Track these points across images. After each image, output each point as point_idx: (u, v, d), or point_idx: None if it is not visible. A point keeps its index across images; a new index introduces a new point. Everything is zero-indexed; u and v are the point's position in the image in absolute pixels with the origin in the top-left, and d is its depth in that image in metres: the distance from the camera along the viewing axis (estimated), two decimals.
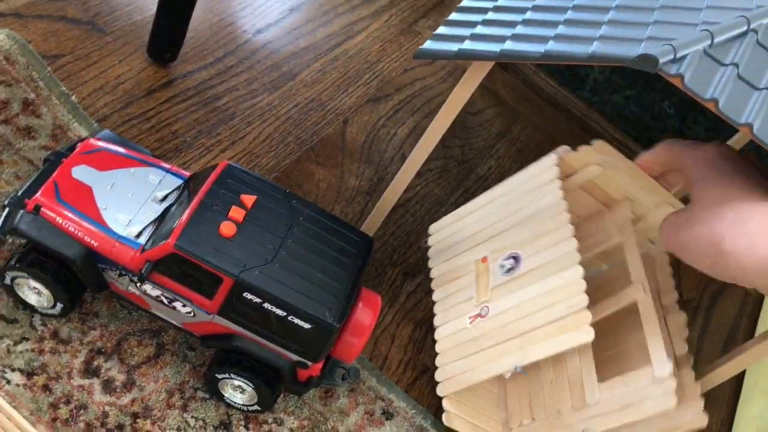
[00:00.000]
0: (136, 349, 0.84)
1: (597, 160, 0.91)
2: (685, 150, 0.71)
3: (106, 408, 0.78)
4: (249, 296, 0.72)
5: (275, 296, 0.72)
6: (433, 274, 1.00)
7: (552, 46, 0.70)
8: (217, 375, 0.79)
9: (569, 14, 0.75)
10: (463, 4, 0.84)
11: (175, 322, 0.80)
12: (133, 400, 0.80)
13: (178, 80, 1.13)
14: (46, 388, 0.77)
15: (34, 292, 0.78)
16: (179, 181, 0.82)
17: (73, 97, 0.99)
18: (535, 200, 0.90)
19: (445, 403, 0.91)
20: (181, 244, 0.71)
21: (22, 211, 0.75)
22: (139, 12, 1.17)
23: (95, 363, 0.81)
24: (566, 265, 0.83)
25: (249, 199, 0.77)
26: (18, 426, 0.65)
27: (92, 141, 0.82)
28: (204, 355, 0.86)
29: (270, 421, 0.85)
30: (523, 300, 0.85)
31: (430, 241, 1.04)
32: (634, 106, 1.47)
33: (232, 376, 0.78)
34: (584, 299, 0.79)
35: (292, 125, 1.17)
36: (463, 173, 1.27)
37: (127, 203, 0.78)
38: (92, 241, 0.74)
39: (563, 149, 0.92)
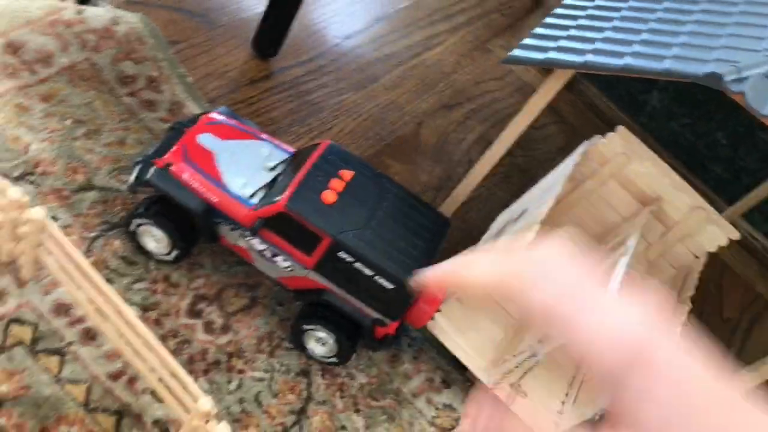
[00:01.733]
0: (233, 299, 0.95)
1: (622, 147, 1.02)
2: None
3: (206, 345, 0.90)
4: (343, 255, 0.83)
5: (366, 257, 0.83)
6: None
7: (629, 60, 0.80)
8: (304, 326, 0.90)
9: (644, 36, 0.85)
10: (546, 20, 0.94)
11: (272, 276, 0.91)
12: (229, 342, 0.91)
13: (277, 74, 1.26)
14: (157, 322, 0.89)
15: (153, 240, 0.90)
16: (285, 155, 0.94)
17: (189, 79, 1.12)
18: (557, 173, 1.03)
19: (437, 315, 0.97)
20: (290, 204, 0.82)
21: (154, 167, 0.87)
22: (245, 10, 1.31)
23: (199, 306, 0.92)
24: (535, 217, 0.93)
25: (347, 174, 0.88)
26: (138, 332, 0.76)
27: (214, 114, 0.94)
28: (290, 311, 0.97)
29: (343, 374, 0.95)
30: (504, 237, 0.99)
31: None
32: (689, 134, 1.56)
33: (318, 327, 0.89)
34: (533, 232, 0.88)
35: (372, 122, 1.29)
36: (524, 181, 1.36)
37: (242, 169, 0.89)
38: (213, 197, 0.86)
39: (595, 138, 1.04)
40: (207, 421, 0.73)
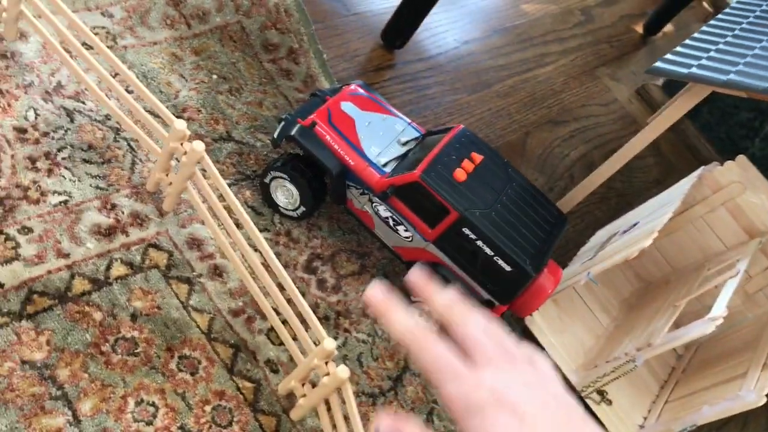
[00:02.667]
0: (345, 263, 0.99)
1: (738, 176, 1.03)
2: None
3: (318, 300, 0.94)
4: (467, 231, 0.86)
5: (488, 236, 0.86)
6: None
7: None
8: (411, 298, 0.93)
9: None
10: (686, 41, 0.97)
11: (389, 244, 0.94)
12: (338, 301, 0.95)
13: (400, 65, 1.31)
14: None
15: (284, 194, 0.95)
16: (417, 134, 0.98)
17: (325, 55, 1.18)
18: (669, 194, 1.06)
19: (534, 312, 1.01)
20: (424, 176, 0.86)
21: (299, 125, 0.92)
22: (377, 2, 1.37)
23: (314, 264, 0.97)
24: (653, 226, 0.96)
25: (477, 157, 0.92)
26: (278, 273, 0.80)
27: (354, 86, 0.99)
28: (395, 283, 1.00)
29: None
30: (616, 244, 1.00)
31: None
32: None
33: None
34: (651, 239, 0.91)
35: (483, 124, 1.33)
36: (621, 205, 1.38)
37: (378, 139, 0.94)
38: (350, 160, 0.91)
39: (712, 164, 1.06)
40: (327, 362, 0.76)
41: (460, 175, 0.88)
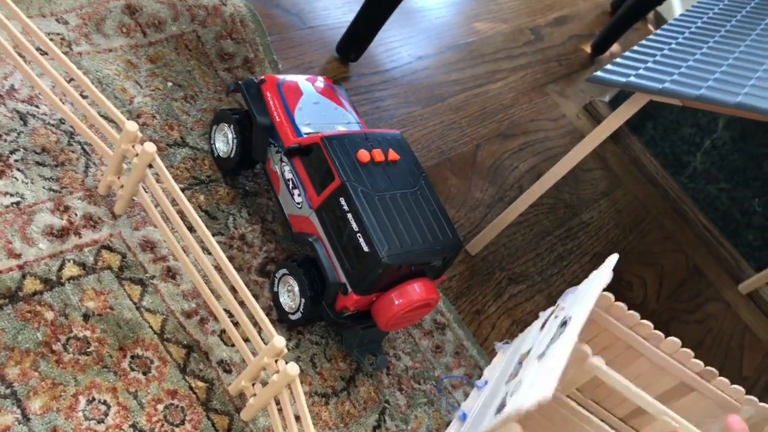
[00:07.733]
0: None
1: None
2: None
3: (272, 303, 0.95)
4: (342, 201, 0.86)
5: (359, 211, 0.85)
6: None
7: (705, 92, 0.87)
8: (279, 271, 0.94)
9: (722, 71, 0.92)
10: (626, 53, 1.02)
11: (286, 211, 0.95)
12: None
13: (354, 78, 1.34)
14: None
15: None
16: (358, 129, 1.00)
17: (280, 66, 1.20)
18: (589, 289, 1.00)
19: None
20: (327, 140, 0.88)
21: (251, 79, 0.98)
22: (333, 17, 1.40)
23: (268, 267, 0.98)
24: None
25: (394, 155, 0.92)
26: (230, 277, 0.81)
27: (331, 82, 1.03)
28: None
29: (391, 354, 1.00)
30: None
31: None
32: (726, 198, 1.62)
33: (290, 273, 0.92)
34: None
35: (436, 136, 1.36)
36: (568, 215, 1.43)
37: (316, 118, 0.97)
38: (276, 118, 0.95)
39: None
40: (276, 360, 0.78)
41: (363, 156, 0.89)
